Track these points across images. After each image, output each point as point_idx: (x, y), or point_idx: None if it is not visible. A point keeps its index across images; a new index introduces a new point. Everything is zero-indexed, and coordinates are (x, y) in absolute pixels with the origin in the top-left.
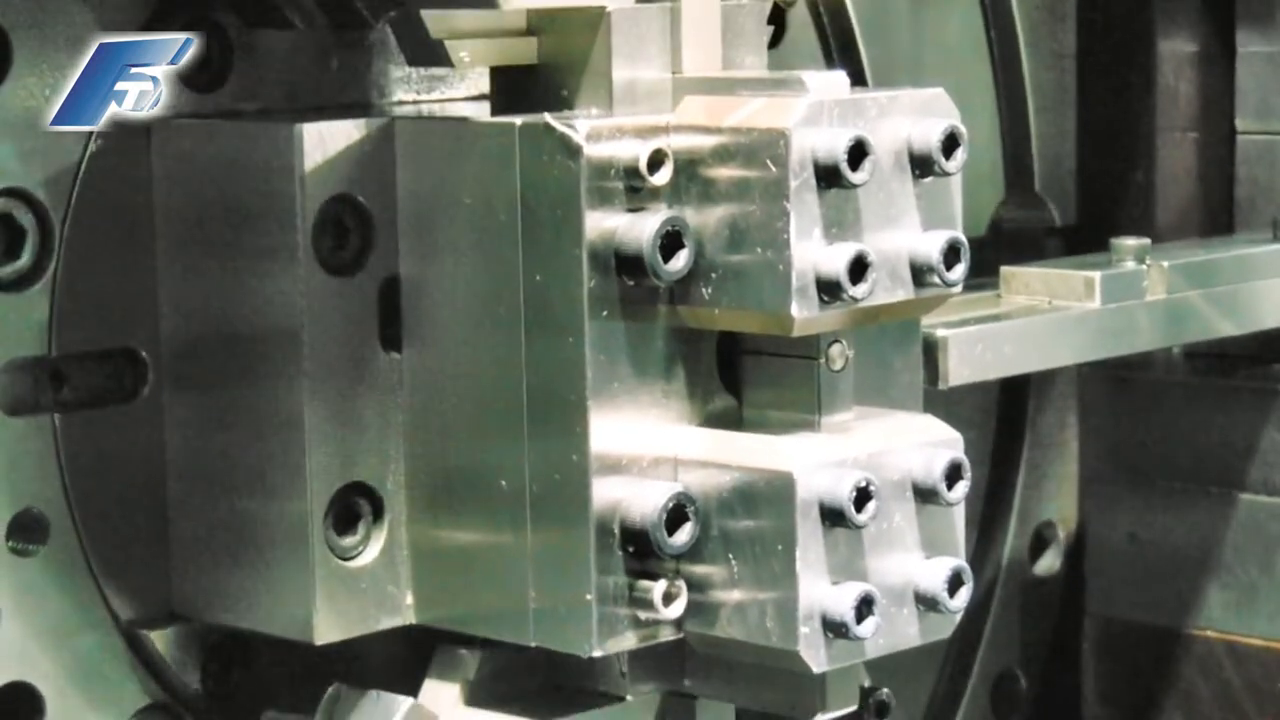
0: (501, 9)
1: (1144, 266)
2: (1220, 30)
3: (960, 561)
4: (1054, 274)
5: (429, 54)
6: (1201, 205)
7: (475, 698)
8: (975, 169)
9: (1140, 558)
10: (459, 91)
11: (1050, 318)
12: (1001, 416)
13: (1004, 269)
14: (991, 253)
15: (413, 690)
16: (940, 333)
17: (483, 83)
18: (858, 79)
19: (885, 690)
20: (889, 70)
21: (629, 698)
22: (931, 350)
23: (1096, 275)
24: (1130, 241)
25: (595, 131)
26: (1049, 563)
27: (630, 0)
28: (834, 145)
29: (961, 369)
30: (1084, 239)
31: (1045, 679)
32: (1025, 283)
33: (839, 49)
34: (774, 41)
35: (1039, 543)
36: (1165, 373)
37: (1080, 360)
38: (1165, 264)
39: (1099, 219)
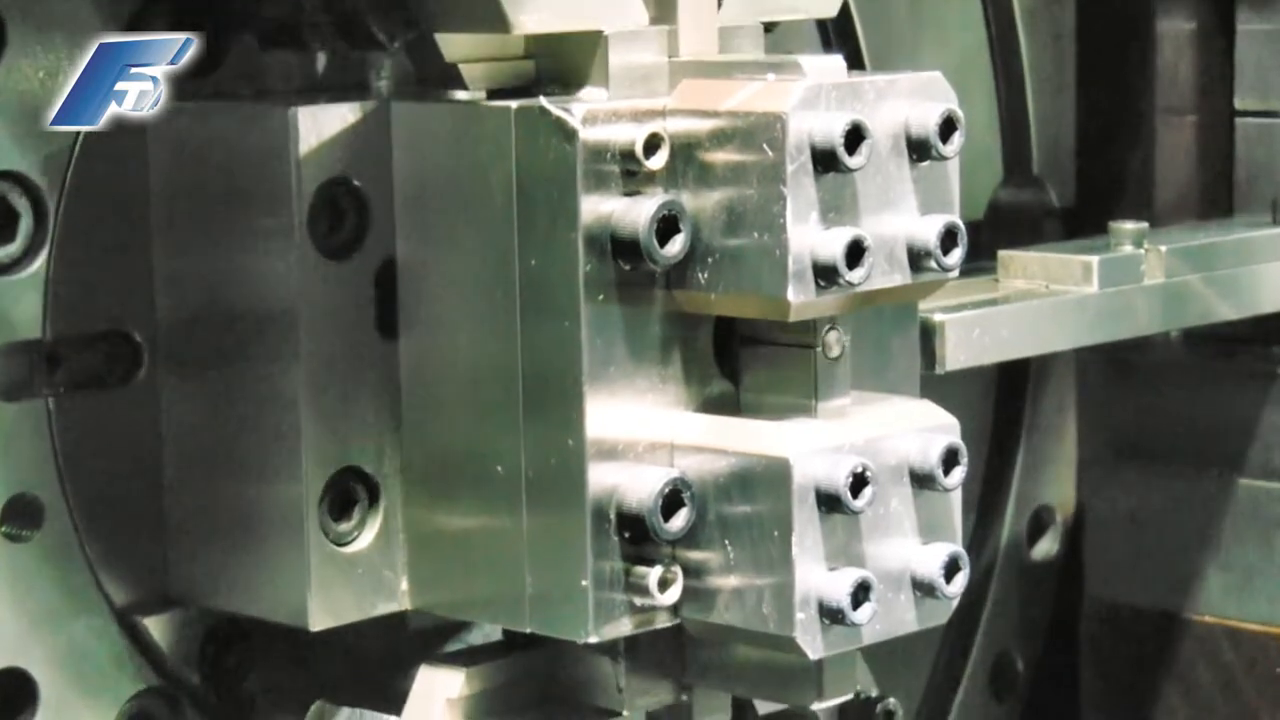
0: (503, 36)
1: (1142, 250)
2: (1219, 8)
3: (957, 547)
4: (1052, 258)
5: (440, 75)
6: (1200, 187)
7: (463, 715)
8: (973, 151)
9: (1139, 541)
10: None
11: (1048, 302)
12: (1000, 400)
13: (1001, 253)
14: (989, 235)
15: (405, 677)
16: (938, 317)
17: None
18: (855, 61)
19: (892, 700)
20: (887, 52)
21: (625, 713)
22: (929, 334)
23: (1094, 259)
24: (1128, 225)
25: (591, 115)
26: (1047, 546)
27: (643, 19)
28: (831, 129)
29: (959, 353)
30: (1082, 221)
31: (1043, 662)
32: (1023, 266)
33: (836, 31)
34: (769, 25)
35: (1037, 526)
36: (1164, 356)
37: (1078, 344)
38: (1163, 248)
39: (1097, 201)
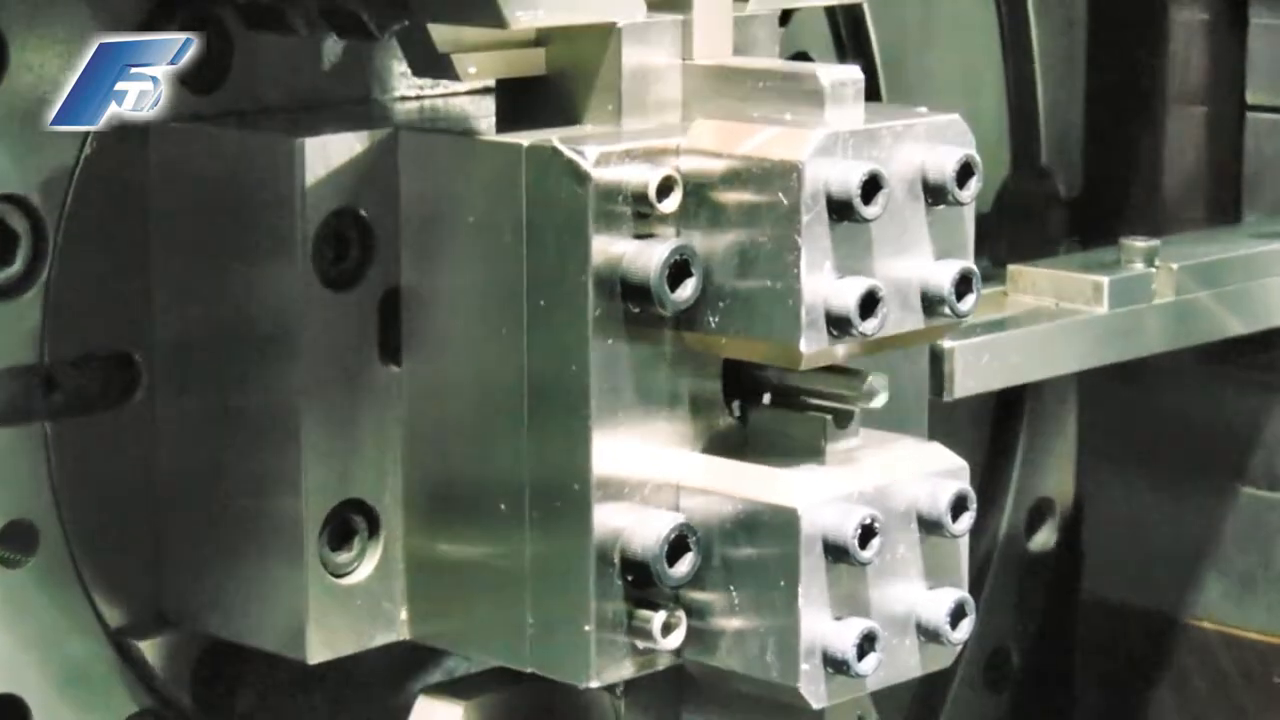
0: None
1: (1153, 269)
2: (1232, 1)
3: (963, 593)
4: (1062, 275)
5: (435, 66)
6: (1209, 179)
7: None
8: (982, 141)
9: (1139, 543)
10: (462, 85)
11: (1057, 325)
12: (1000, 391)
13: (1011, 268)
14: (996, 226)
15: (399, 697)
16: (946, 343)
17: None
18: (865, 52)
19: None
20: (898, 41)
21: None
22: (937, 360)
23: (1105, 280)
24: (1139, 243)
25: (604, 157)
26: (1045, 538)
27: (641, 14)
28: (848, 179)
29: (967, 380)
30: (1090, 213)
31: (1038, 655)
32: (1032, 282)
33: (847, 23)
34: (783, 18)
35: (1035, 518)
36: (1167, 362)
37: (1087, 366)
38: (1174, 265)
39: (1105, 192)
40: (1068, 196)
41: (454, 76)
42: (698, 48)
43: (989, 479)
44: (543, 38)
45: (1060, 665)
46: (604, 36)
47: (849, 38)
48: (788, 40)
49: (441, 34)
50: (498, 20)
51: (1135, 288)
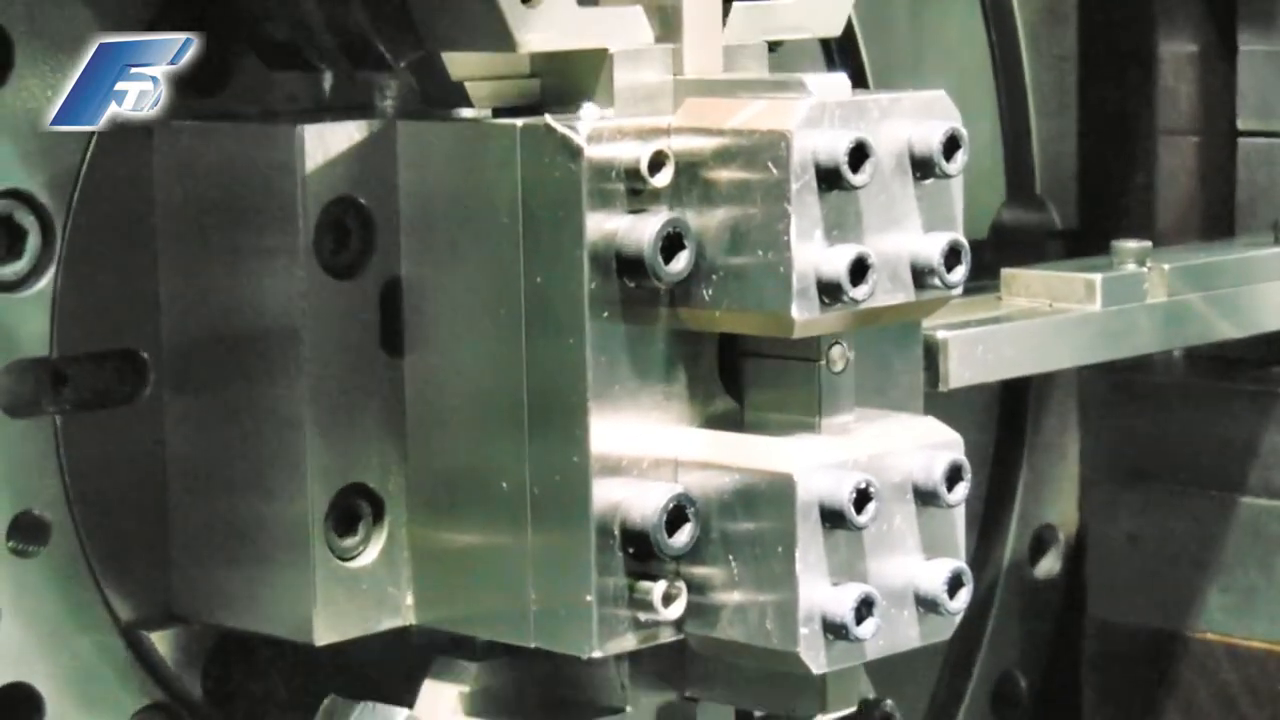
0: (509, 54)
1: (1145, 269)
2: (1221, 29)
3: (960, 563)
4: (1055, 276)
5: (446, 94)
6: (1202, 207)
7: (473, 709)
8: (976, 171)
9: (1140, 560)
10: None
11: (1051, 320)
12: (1002, 419)
13: (1004, 271)
14: (992, 256)
15: (411, 692)
16: (941, 334)
17: None
18: (858, 81)
19: (889, 702)
20: (889, 72)
21: (629, 709)
22: (932, 352)
23: (1097, 278)
24: (1131, 244)
25: (596, 133)
26: (1049, 565)
27: (646, 39)
28: (835, 147)
29: (962, 371)
30: (1085, 242)
31: (1045, 681)
32: (1026, 285)
33: (839, 50)
34: (774, 43)
35: (1039, 545)
36: (1165, 375)
37: (1080, 362)
38: (1166, 266)
39: (1100, 222)
40: (1062, 226)
41: (466, 103)
42: (688, 71)
43: (992, 509)
44: (537, 70)
45: (1068, 689)
46: (597, 64)
47: (842, 68)
48: (777, 69)
49: (454, 63)
50: (508, 44)
51: (1127, 286)
